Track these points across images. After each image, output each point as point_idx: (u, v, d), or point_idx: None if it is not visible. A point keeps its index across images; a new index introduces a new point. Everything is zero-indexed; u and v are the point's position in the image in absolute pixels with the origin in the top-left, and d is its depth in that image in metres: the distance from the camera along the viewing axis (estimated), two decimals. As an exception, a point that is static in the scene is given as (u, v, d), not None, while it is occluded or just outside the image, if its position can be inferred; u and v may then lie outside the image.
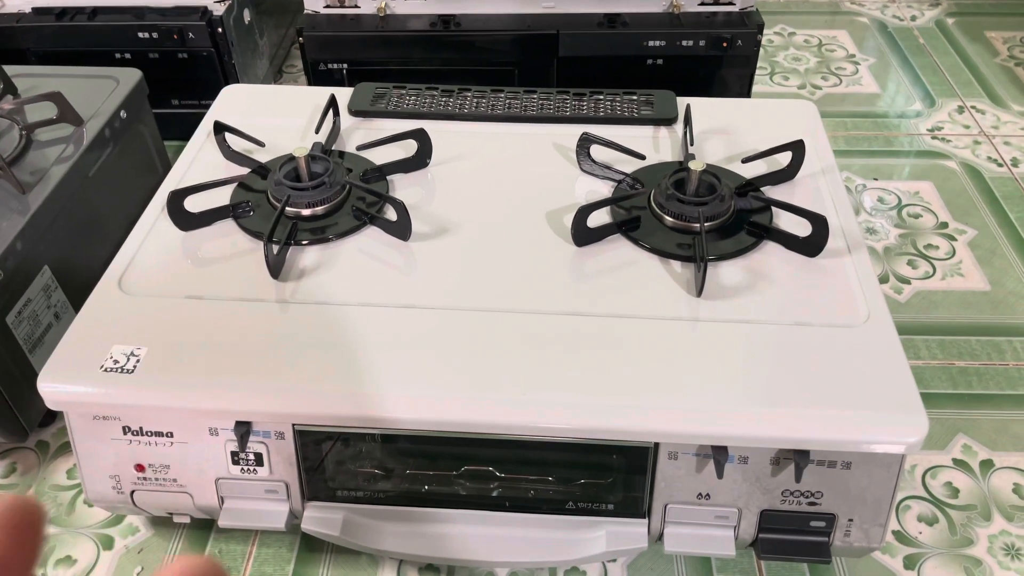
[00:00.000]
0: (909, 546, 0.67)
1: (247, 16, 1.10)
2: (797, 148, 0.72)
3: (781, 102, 0.84)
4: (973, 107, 1.17)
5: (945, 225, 0.98)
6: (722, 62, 1.01)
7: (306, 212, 0.69)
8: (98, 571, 0.66)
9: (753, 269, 0.65)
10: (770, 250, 0.67)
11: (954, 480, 0.72)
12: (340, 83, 1.04)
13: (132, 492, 0.63)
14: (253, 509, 0.62)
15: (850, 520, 0.59)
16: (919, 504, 0.70)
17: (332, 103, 0.79)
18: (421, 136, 0.74)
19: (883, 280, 0.90)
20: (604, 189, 0.74)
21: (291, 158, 0.70)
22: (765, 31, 1.10)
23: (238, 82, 1.08)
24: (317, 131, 0.77)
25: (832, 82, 1.24)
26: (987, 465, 0.73)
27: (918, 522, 0.69)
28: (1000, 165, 1.06)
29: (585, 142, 0.74)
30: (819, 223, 0.64)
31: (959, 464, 0.73)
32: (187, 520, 0.66)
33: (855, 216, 0.70)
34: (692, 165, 0.67)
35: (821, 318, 0.61)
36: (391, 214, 0.69)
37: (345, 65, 1.02)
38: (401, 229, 0.68)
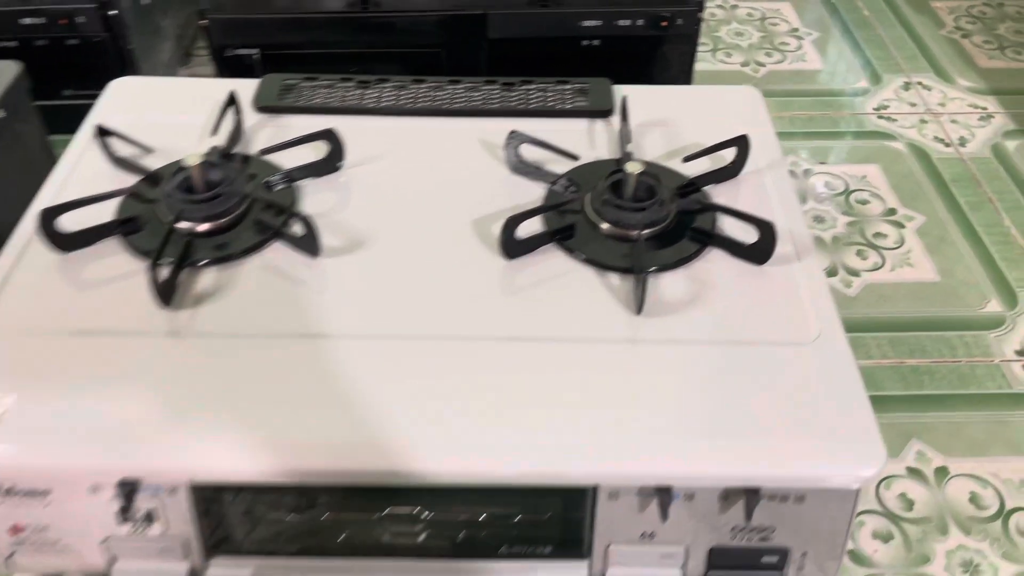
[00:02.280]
0: (864, 566, 0.64)
1: (145, -4, 1.01)
2: (741, 144, 0.67)
3: (724, 89, 0.79)
4: (919, 83, 1.14)
5: (893, 211, 0.95)
6: (662, 42, 0.95)
7: (202, 228, 0.62)
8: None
9: (697, 280, 0.60)
10: (715, 258, 0.62)
11: (909, 491, 0.69)
12: (251, 70, 0.96)
13: (10, 555, 0.56)
14: (147, 568, 0.56)
15: (804, 554, 0.55)
16: (873, 519, 0.67)
17: (232, 100, 0.71)
18: (331, 137, 0.67)
19: (832, 273, 0.87)
20: (536, 191, 0.68)
21: (183, 166, 0.62)
22: (707, 4, 1.04)
23: (136, 70, 0.98)
24: (214, 132, 0.69)
25: (776, 58, 1.19)
26: (942, 473, 0.70)
27: (873, 539, 0.66)
28: (947, 145, 1.03)
29: (514, 140, 0.67)
30: (766, 230, 0.60)
31: (913, 473, 0.70)
32: (79, 578, 0.59)
33: (804, 217, 0.65)
34: (629, 167, 0.62)
35: (769, 335, 0.56)
36: (298, 227, 0.62)
37: (256, 51, 0.93)
38: (309, 245, 0.61)
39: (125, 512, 0.52)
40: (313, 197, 0.67)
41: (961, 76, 1.15)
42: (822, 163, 1.00)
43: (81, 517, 0.53)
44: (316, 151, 0.69)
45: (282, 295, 0.59)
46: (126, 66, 0.97)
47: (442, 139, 0.73)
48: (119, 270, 0.61)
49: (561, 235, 0.63)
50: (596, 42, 0.94)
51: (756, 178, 0.69)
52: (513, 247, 0.61)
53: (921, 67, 1.17)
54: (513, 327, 0.57)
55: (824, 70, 1.17)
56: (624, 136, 0.70)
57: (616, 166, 0.68)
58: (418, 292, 0.59)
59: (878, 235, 0.91)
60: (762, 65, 1.18)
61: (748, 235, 0.62)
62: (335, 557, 0.56)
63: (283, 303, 0.58)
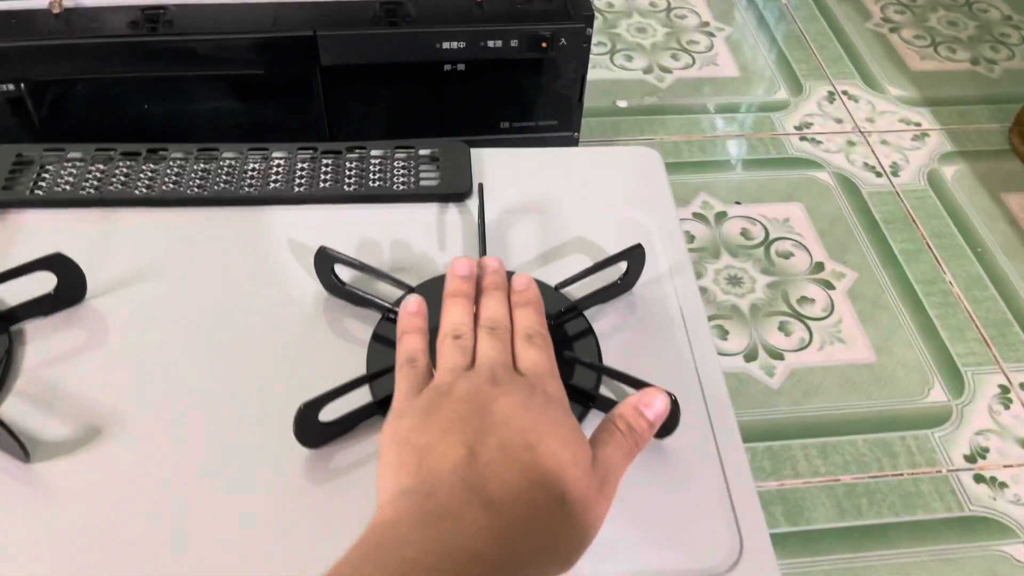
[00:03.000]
0: None
1: None
2: (634, 258, 0.51)
3: (614, 154, 0.63)
4: (845, 92, 1.00)
5: (821, 267, 0.80)
6: (543, 66, 0.77)
7: None
8: None
9: None
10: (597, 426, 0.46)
11: (848, 672, 0.56)
12: (15, 107, 0.73)
13: None
14: None
15: None
16: None
17: (-80, 202, 0.50)
18: (60, 266, 0.48)
19: (751, 357, 0.72)
20: (363, 323, 0.50)
21: None
22: None
23: None
24: None
25: (683, 62, 1.03)
26: (887, 642, 0.57)
27: None
28: (879, 175, 0.90)
29: (323, 262, 0.49)
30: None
31: (853, 645, 0.57)
32: None
33: (716, 358, 0.49)
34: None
35: (676, 562, 0.41)
36: None
37: (11, 86, 0.71)
38: (12, 449, 0.42)
39: None
40: (40, 343, 0.48)
41: (891, 83, 1.01)
42: (738, 202, 0.85)
43: None
44: (49, 275, 0.49)
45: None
46: None
47: (238, 239, 0.55)
48: None
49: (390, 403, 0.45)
50: (461, 67, 0.75)
51: (655, 291, 0.53)
52: (314, 436, 0.44)
53: (846, 72, 1.03)
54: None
55: (739, 78, 1.01)
56: (481, 240, 0.52)
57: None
58: (182, 520, 0.41)
59: (804, 300, 0.77)
60: (668, 72, 1.01)
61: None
62: None
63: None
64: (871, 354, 0.73)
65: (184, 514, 0.43)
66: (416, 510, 0.32)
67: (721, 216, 0.84)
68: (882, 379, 0.72)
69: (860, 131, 0.95)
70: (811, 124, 0.95)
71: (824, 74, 1.02)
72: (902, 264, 0.81)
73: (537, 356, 0.39)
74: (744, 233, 0.83)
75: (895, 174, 0.90)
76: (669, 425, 0.46)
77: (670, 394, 0.45)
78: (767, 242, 0.82)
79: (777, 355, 0.73)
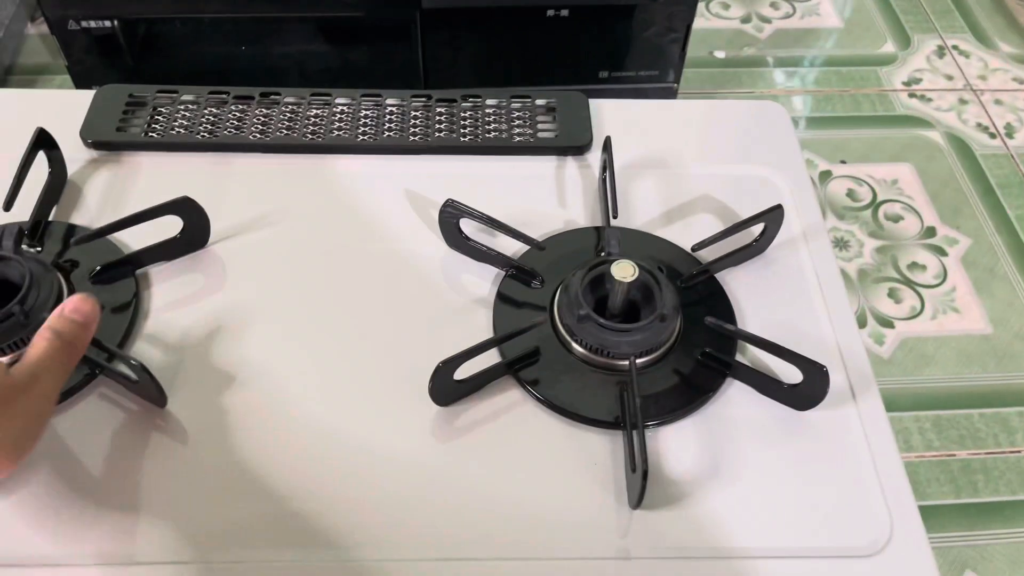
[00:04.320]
0: None
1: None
2: (772, 219, 0.48)
3: (738, 107, 0.61)
4: (955, 47, 0.95)
5: (932, 232, 0.77)
6: (648, 12, 0.74)
7: (-10, 363, 0.42)
8: None
9: (713, 437, 0.44)
10: (736, 395, 0.44)
11: (966, 653, 0.55)
12: (105, 46, 0.72)
13: None
14: None
15: None
16: None
17: (41, 140, 0.50)
18: (188, 211, 0.47)
19: (860, 324, 0.69)
20: (485, 278, 0.49)
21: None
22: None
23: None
24: (8, 206, 0.48)
25: (784, 11, 0.99)
26: (1006, 624, 0.56)
27: None
28: (993, 136, 0.86)
29: (449, 215, 0.48)
30: (814, 374, 0.42)
31: (970, 625, 0.56)
32: None
33: (855, 324, 0.47)
34: (616, 272, 0.43)
35: (820, 542, 0.40)
36: (131, 368, 0.42)
37: (106, 22, 0.70)
38: (149, 394, 0.42)
39: None
40: (164, 290, 0.48)
41: (1002, 38, 0.96)
42: (843, 161, 0.82)
43: None
44: (173, 219, 0.49)
45: (112, 480, 0.40)
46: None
47: (354, 189, 0.53)
48: None
49: (519, 365, 0.44)
50: (564, 13, 0.72)
51: (789, 254, 0.51)
52: (448, 393, 0.43)
53: (956, 26, 0.97)
54: (447, 538, 0.39)
55: (842, 28, 0.96)
56: (607, 205, 0.50)
57: (596, 242, 0.49)
58: (309, 469, 0.41)
59: (914, 266, 0.74)
60: (767, 21, 0.97)
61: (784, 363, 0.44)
62: None
63: (113, 496, 0.40)
64: (987, 325, 0.70)
65: (308, 461, 0.42)
66: None
67: (825, 175, 0.80)
68: (999, 351, 0.69)
69: (972, 89, 0.90)
70: (920, 80, 0.91)
71: (933, 27, 0.97)
72: (1018, 231, 0.77)
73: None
74: (851, 194, 0.80)
75: (1010, 136, 0.85)
76: (815, 397, 0.45)
77: (821, 365, 0.44)
78: (875, 204, 0.79)
79: (887, 323, 0.70)
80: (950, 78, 0.91)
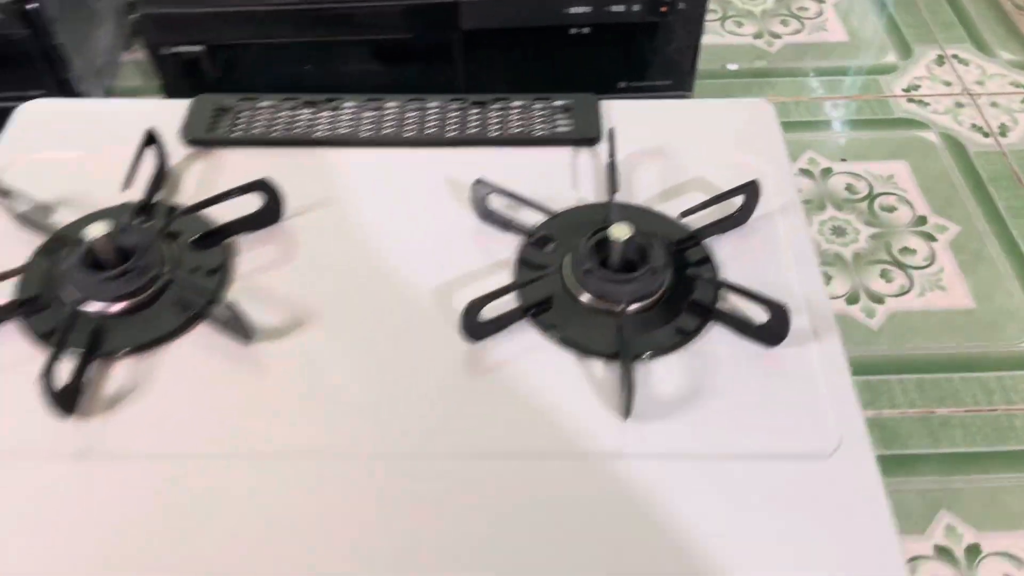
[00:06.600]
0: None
1: (70, -17, 0.89)
2: (750, 192, 0.57)
3: (729, 105, 0.69)
4: (955, 56, 1.02)
5: (923, 220, 0.85)
6: (661, 29, 0.83)
7: (113, 309, 0.53)
8: None
9: (696, 367, 0.52)
10: (717, 337, 0.53)
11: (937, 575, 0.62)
12: (194, 65, 0.85)
13: None
14: None
15: None
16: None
17: (150, 139, 0.61)
18: (266, 189, 0.58)
19: (853, 300, 0.77)
20: (509, 245, 0.59)
21: (85, 239, 0.53)
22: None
23: (66, 66, 0.87)
24: (128, 184, 0.60)
25: (793, 28, 1.07)
26: (973, 552, 0.63)
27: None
28: (986, 135, 0.93)
29: (480, 190, 0.58)
30: (777, 312, 0.51)
31: (942, 553, 0.63)
32: None
33: (822, 280, 0.56)
34: (615, 232, 0.53)
35: (780, 446, 0.49)
36: (226, 311, 0.53)
37: (196, 47, 0.83)
38: (240, 331, 0.52)
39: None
40: (249, 255, 0.58)
41: (1002, 47, 1.03)
42: (843, 159, 0.90)
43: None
44: (253, 198, 0.60)
45: (211, 397, 0.51)
46: (54, 63, 0.87)
47: (401, 176, 0.63)
48: (16, 361, 0.52)
49: (536, 309, 0.54)
50: (585, 31, 0.83)
51: (767, 225, 0.60)
52: (476, 330, 0.52)
53: (957, 36, 1.05)
54: (478, 439, 0.49)
55: (847, 43, 1.04)
56: (611, 183, 0.60)
57: (602, 215, 0.58)
58: (365, 393, 0.51)
59: (905, 250, 0.82)
60: (777, 37, 1.06)
61: (757, 309, 0.53)
62: None
63: (212, 408, 0.50)
64: (971, 301, 0.77)
65: (365, 382, 0.51)
66: None
67: (827, 172, 0.88)
68: (981, 324, 0.76)
69: (969, 93, 0.97)
70: (919, 86, 0.98)
71: (934, 38, 1.05)
72: (1006, 220, 0.84)
73: None
74: (849, 188, 0.87)
75: (1003, 135, 0.92)
76: (778, 333, 0.53)
77: (782, 304, 0.52)
78: (871, 196, 0.86)
79: (878, 299, 0.78)
80: (948, 84, 0.99)
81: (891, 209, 0.84)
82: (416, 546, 0.45)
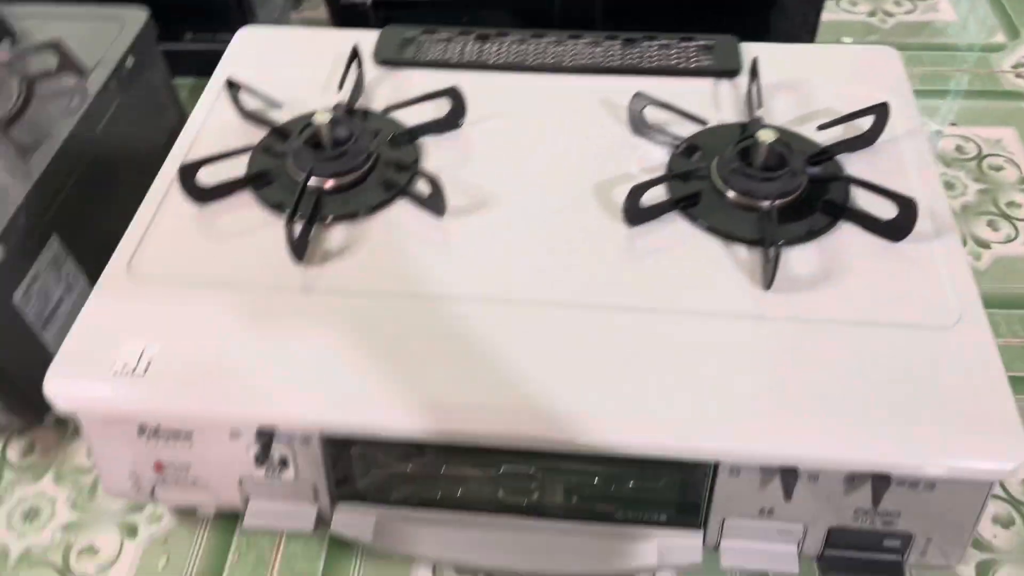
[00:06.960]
0: (982, 551, 0.63)
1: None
2: (880, 112, 0.65)
3: (859, 49, 0.76)
4: (1065, 38, 1.07)
5: (1030, 180, 0.90)
6: (780, 4, 0.91)
7: (329, 184, 0.64)
8: (122, 562, 0.64)
9: (828, 255, 0.59)
10: (847, 233, 0.61)
11: (1034, 478, 0.67)
12: (363, 16, 0.96)
13: (152, 488, 0.60)
14: (279, 510, 0.59)
15: (928, 540, 0.55)
16: (994, 504, 0.66)
17: (355, 54, 0.72)
18: (454, 95, 0.68)
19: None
20: (658, 154, 0.67)
21: (311, 123, 0.64)
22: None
23: (252, 14, 1.00)
24: (341, 87, 0.70)
25: (906, 8, 1.13)
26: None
27: (993, 524, 0.65)
28: (1094, 108, 0.97)
29: (638, 102, 0.66)
30: (905, 205, 0.58)
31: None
32: (212, 512, 0.63)
33: (944, 192, 0.62)
34: (761, 135, 0.61)
35: (906, 318, 0.55)
36: (423, 185, 0.63)
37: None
38: (435, 204, 0.62)
39: (261, 458, 0.55)
40: (435, 154, 0.68)
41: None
42: (953, 124, 0.95)
43: (220, 459, 0.57)
44: (437, 108, 0.70)
45: (408, 254, 0.60)
46: (245, 12, 0.99)
47: (562, 97, 0.72)
48: (251, 223, 0.63)
49: (685, 203, 0.62)
50: (713, -4, 0.90)
51: (893, 147, 0.66)
52: (636, 215, 0.61)
53: (1068, 20, 1.09)
54: (637, 297, 0.57)
55: (957, 23, 1.10)
56: (753, 99, 0.68)
57: (744, 131, 0.66)
58: (541, 256, 0.60)
59: (1012, 204, 0.87)
60: (891, 15, 1.12)
61: (884, 210, 0.60)
62: (452, 511, 0.58)
63: (409, 263, 0.60)
64: (1076, 254, 0.82)
65: (540, 255, 0.59)
66: None
67: (937, 134, 0.94)
68: (1086, 273, 0.81)
69: (1078, 71, 1.02)
70: (1028, 64, 1.03)
71: (1045, 21, 1.10)
72: (1113, 182, 0.88)
73: None
74: (958, 148, 0.93)
75: (1112, 109, 0.97)
76: (905, 227, 0.59)
77: (910, 197, 0.59)
78: (980, 156, 0.92)
79: (985, 244, 0.83)
80: (1057, 62, 1.03)
81: (999, 168, 0.90)
82: (588, 373, 0.53)
